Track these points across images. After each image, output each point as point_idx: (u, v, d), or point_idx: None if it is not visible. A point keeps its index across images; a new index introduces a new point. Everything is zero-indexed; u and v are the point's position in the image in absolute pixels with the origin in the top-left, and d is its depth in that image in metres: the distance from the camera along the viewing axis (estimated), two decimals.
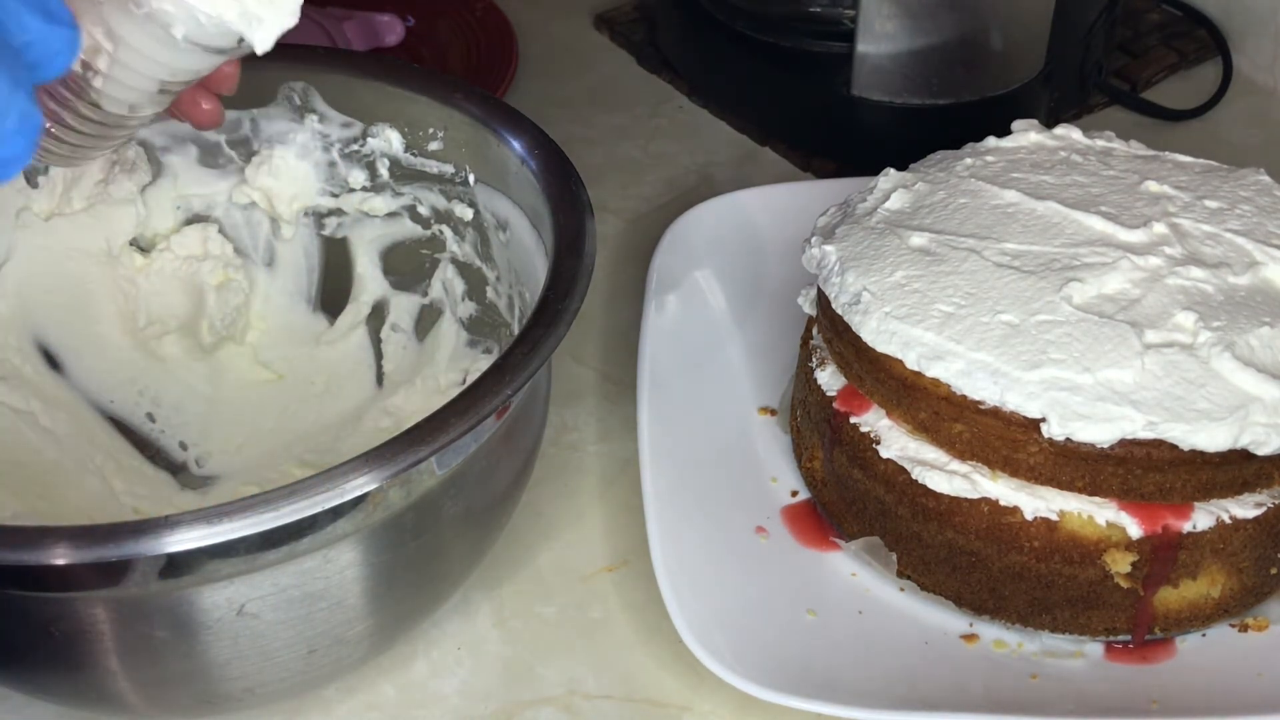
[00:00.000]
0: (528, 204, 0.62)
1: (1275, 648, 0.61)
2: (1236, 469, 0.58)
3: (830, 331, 0.64)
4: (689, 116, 0.93)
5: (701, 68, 0.94)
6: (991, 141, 0.69)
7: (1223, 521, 0.58)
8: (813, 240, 0.66)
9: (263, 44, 0.49)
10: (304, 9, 0.51)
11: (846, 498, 0.64)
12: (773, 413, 0.71)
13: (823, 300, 0.65)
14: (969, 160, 0.68)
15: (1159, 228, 0.62)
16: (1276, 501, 0.59)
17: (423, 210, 0.68)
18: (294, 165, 0.68)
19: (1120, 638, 0.61)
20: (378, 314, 0.71)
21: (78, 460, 0.65)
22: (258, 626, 0.50)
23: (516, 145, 0.63)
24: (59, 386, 0.67)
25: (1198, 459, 0.56)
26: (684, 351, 0.71)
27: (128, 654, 0.51)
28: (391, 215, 0.69)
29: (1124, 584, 0.59)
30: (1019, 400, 0.57)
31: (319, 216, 0.70)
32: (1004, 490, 0.59)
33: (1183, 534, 0.58)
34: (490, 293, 0.68)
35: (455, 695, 0.60)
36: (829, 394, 0.64)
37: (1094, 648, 0.61)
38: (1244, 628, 0.62)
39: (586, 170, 0.62)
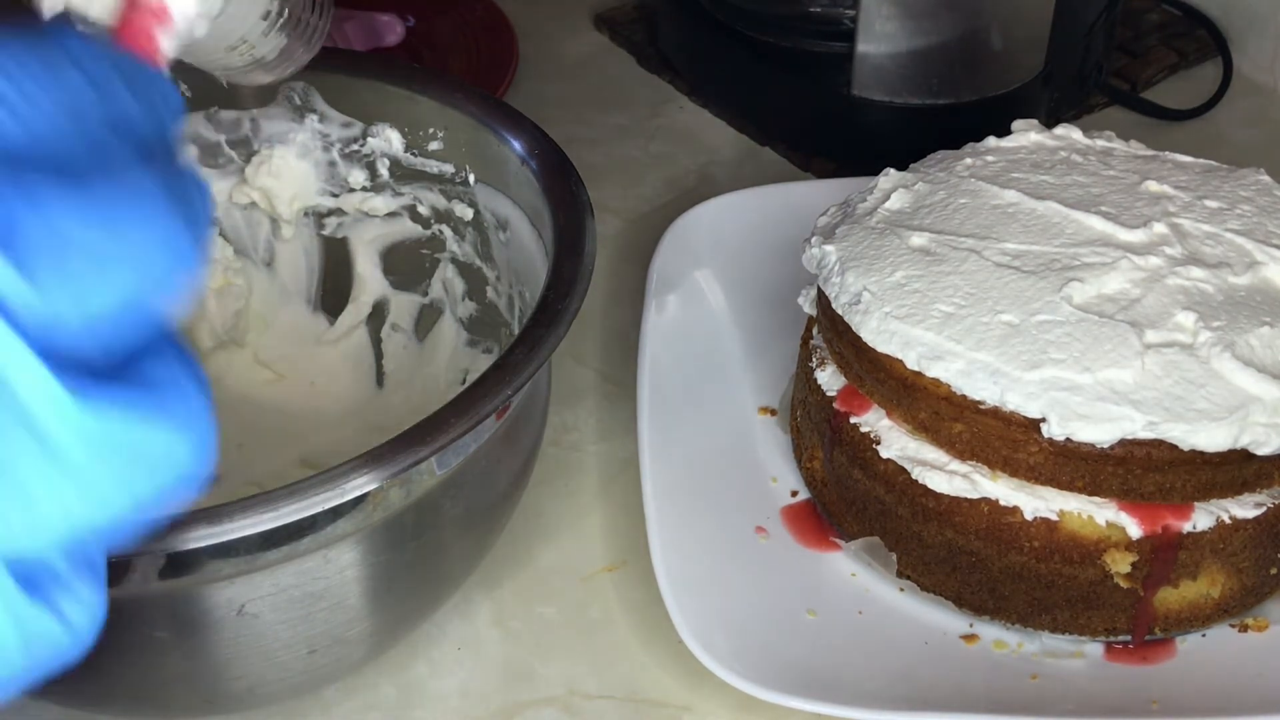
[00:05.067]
0: (528, 204, 0.62)
1: (1275, 648, 0.61)
2: (1236, 469, 0.58)
3: (830, 331, 0.64)
4: (689, 116, 0.93)
5: (701, 68, 0.94)
6: (991, 141, 0.69)
7: (1223, 521, 0.58)
8: (813, 240, 0.66)
9: None
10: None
11: (846, 498, 0.64)
12: (773, 413, 0.71)
13: (823, 300, 0.65)
14: (969, 160, 0.68)
15: (1159, 228, 0.62)
16: (1276, 501, 0.59)
17: (423, 210, 0.68)
18: (294, 165, 0.68)
19: (1120, 638, 0.61)
20: (378, 314, 0.71)
21: None
22: (258, 626, 0.50)
23: (516, 145, 0.63)
24: None
25: (1198, 459, 0.56)
26: (684, 351, 0.71)
27: (128, 654, 0.51)
28: (391, 215, 0.69)
29: (1124, 584, 0.59)
30: (1019, 400, 0.57)
31: (319, 216, 0.70)
32: (1004, 490, 0.59)
33: (1183, 534, 0.58)
34: (490, 293, 0.68)
35: (455, 695, 0.60)
36: (829, 394, 0.64)
37: (1094, 648, 0.61)
38: (1244, 628, 0.62)
39: (586, 170, 0.62)
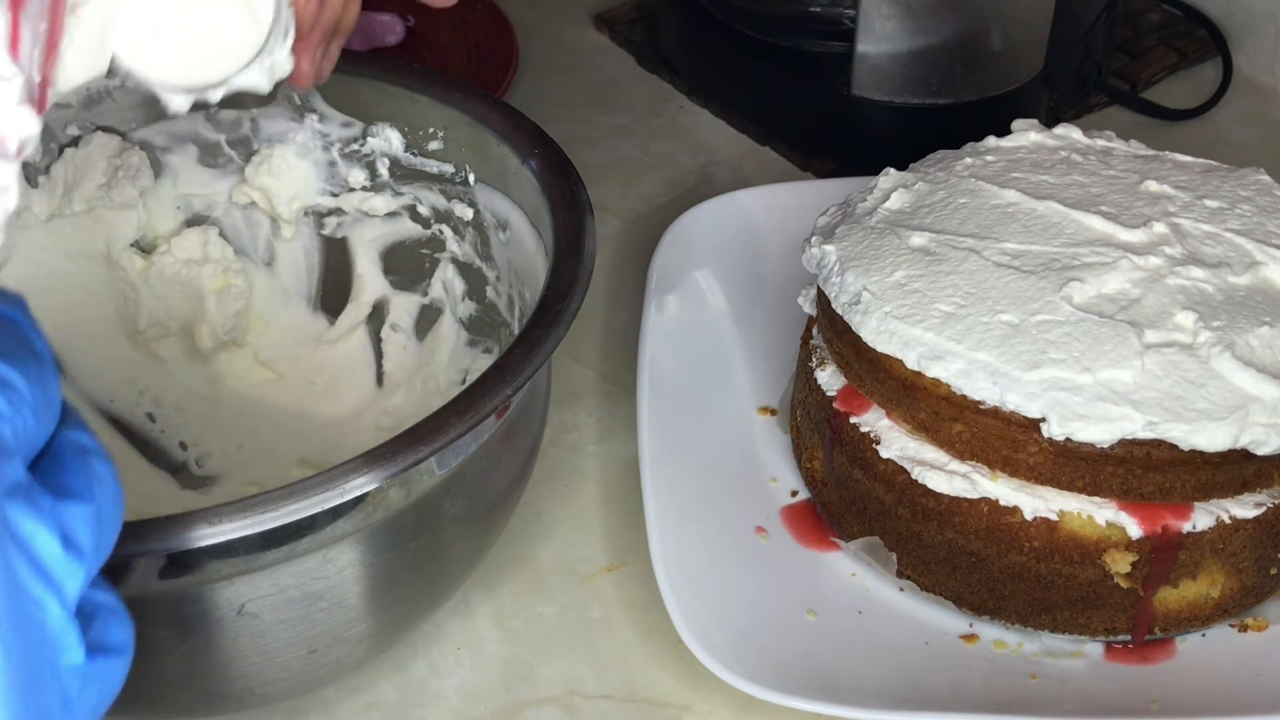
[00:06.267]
0: (528, 204, 0.62)
1: (1275, 648, 0.61)
2: (1236, 469, 0.58)
3: (830, 331, 0.64)
4: (689, 116, 0.93)
5: (701, 68, 0.94)
6: (991, 141, 0.69)
7: (1222, 521, 0.58)
8: (813, 240, 0.66)
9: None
10: None
11: (846, 498, 0.64)
12: (773, 413, 0.71)
13: (823, 300, 0.65)
14: (969, 160, 0.68)
15: (1159, 227, 0.62)
16: (1276, 501, 0.59)
17: (423, 210, 0.68)
18: (294, 165, 0.68)
19: (1120, 638, 0.61)
20: (378, 314, 0.71)
21: None
22: (258, 626, 0.50)
23: (516, 145, 0.63)
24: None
25: (1198, 459, 0.56)
26: (684, 351, 0.71)
27: None
28: (391, 215, 0.69)
29: (1124, 584, 0.59)
30: (1019, 400, 0.57)
31: (319, 216, 0.70)
32: (1004, 490, 0.59)
33: (1183, 534, 0.58)
34: (490, 292, 0.67)
35: (455, 695, 0.60)
36: (829, 394, 0.64)
37: (1094, 648, 0.61)
38: (1244, 628, 0.62)
39: (586, 170, 0.62)
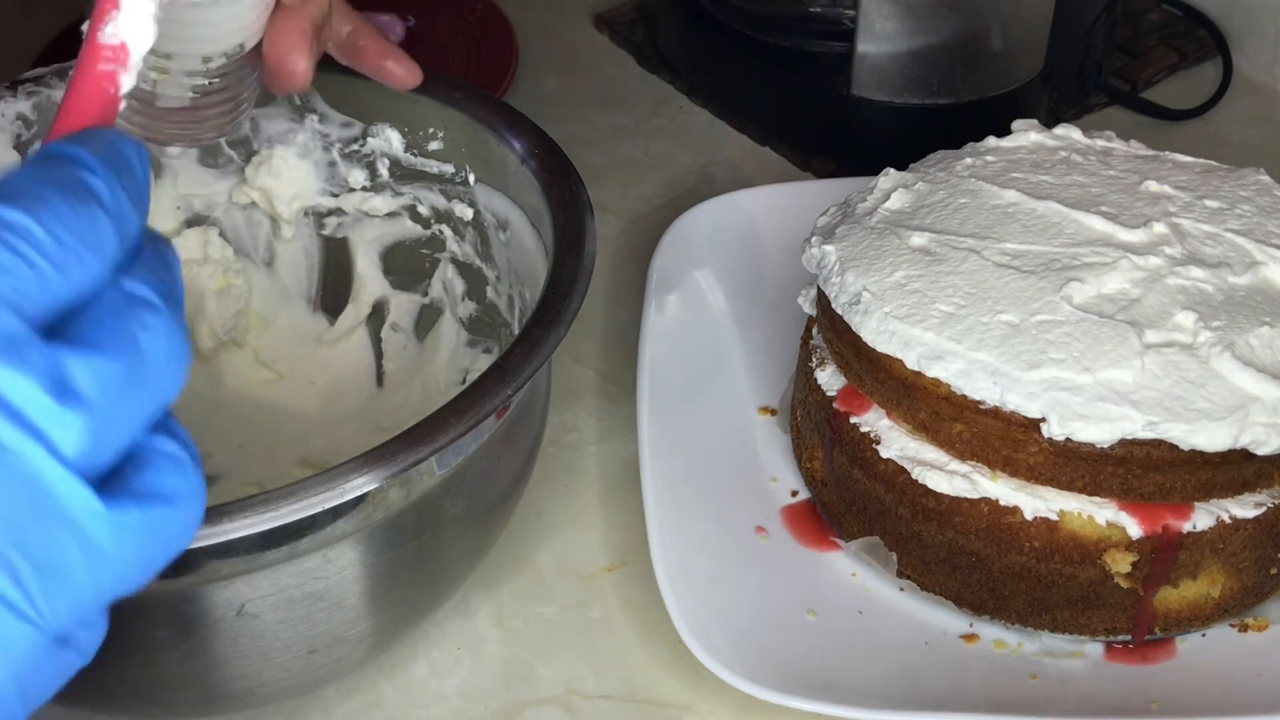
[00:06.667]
0: (528, 204, 0.62)
1: (1275, 648, 0.61)
2: (1236, 469, 0.58)
3: (830, 331, 0.64)
4: (689, 116, 0.93)
5: (701, 68, 0.94)
6: (991, 141, 0.69)
7: (1223, 521, 0.59)
8: (813, 240, 0.66)
9: None
10: None
11: (846, 498, 0.64)
12: (773, 413, 0.71)
13: (823, 300, 0.65)
14: (969, 160, 0.68)
15: (1159, 228, 0.62)
16: (1276, 501, 0.59)
17: (423, 210, 0.68)
18: (294, 165, 0.68)
19: (1120, 638, 0.61)
20: (378, 314, 0.71)
21: None
22: (258, 626, 0.50)
23: (516, 145, 0.63)
24: None
25: (1198, 459, 0.56)
26: (684, 351, 0.71)
27: (128, 654, 0.51)
28: (391, 215, 0.69)
29: (1124, 584, 0.59)
30: (1019, 400, 0.57)
31: (319, 216, 0.70)
32: (1004, 490, 0.59)
33: (1183, 534, 0.58)
34: (490, 292, 0.68)
35: (455, 695, 0.60)
36: (829, 394, 0.64)
37: (1094, 648, 0.61)
38: (1244, 628, 0.62)
39: (586, 170, 0.62)
